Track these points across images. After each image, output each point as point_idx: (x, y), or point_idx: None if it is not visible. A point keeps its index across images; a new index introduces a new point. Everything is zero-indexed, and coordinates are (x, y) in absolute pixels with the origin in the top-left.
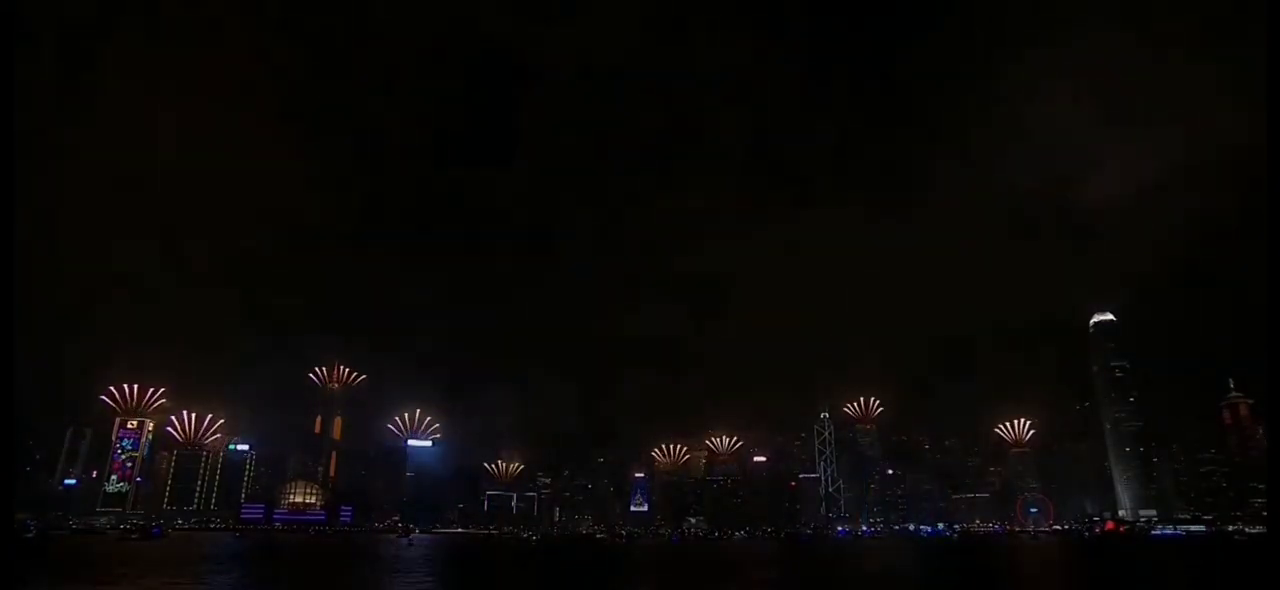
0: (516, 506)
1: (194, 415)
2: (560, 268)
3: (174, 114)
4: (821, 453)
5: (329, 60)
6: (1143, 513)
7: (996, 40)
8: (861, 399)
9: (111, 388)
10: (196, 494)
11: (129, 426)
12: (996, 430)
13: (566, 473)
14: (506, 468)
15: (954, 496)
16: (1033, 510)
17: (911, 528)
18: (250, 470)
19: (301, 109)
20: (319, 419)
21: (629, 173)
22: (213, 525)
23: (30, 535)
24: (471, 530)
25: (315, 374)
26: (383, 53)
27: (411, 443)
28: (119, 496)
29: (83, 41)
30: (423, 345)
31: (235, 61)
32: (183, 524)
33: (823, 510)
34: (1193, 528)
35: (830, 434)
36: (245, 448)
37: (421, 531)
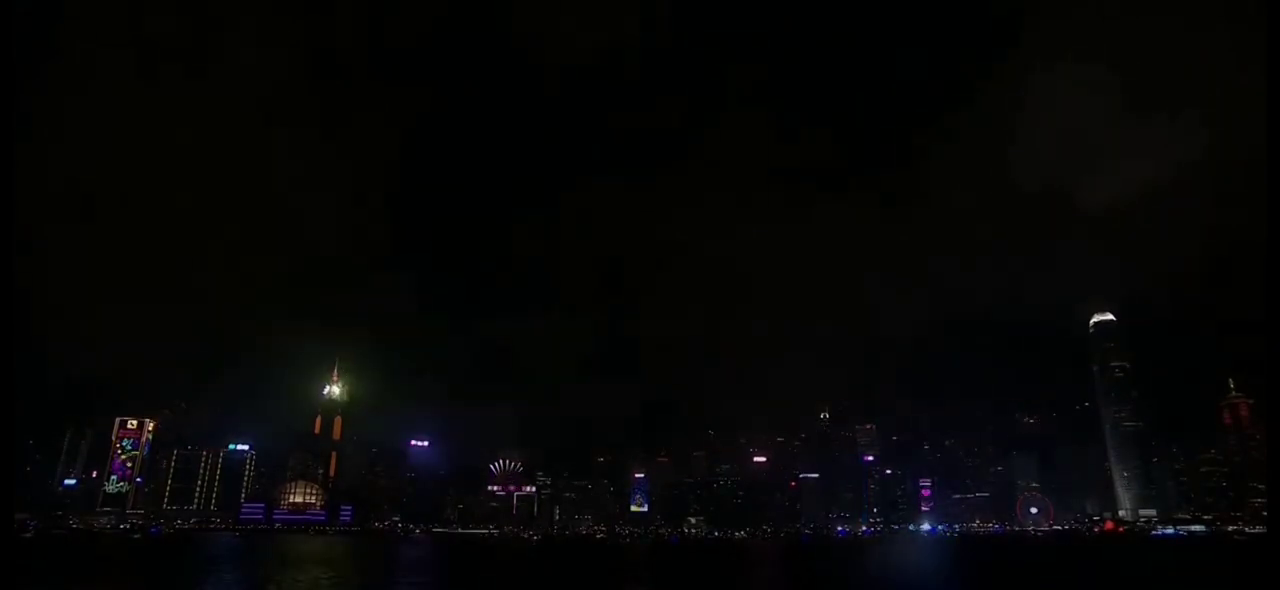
0: (516, 506)
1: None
2: (563, 268)
3: (184, 121)
4: (821, 453)
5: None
6: (1143, 513)
7: (1002, 39)
8: (862, 398)
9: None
10: (196, 494)
11: (129, 426)
12: (997, 429)
13: (566, 473)
14: (507, 467)
15: (954, 496)
16: (1033, 510)
17: (911, 528)
18: (250, 470)
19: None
20: (319, 419)
21: (627, 174)
22: (213, 525)
23: (29, 535)
24: (472, 530)
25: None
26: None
27: (412, 443)
28: (119, 496)
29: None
30: (424, 344)
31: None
32: (182, 524)
33: (823, 510)
34: (1193, 528)
35: (830, 434)
36: (245, 448)
37: (421, 531)
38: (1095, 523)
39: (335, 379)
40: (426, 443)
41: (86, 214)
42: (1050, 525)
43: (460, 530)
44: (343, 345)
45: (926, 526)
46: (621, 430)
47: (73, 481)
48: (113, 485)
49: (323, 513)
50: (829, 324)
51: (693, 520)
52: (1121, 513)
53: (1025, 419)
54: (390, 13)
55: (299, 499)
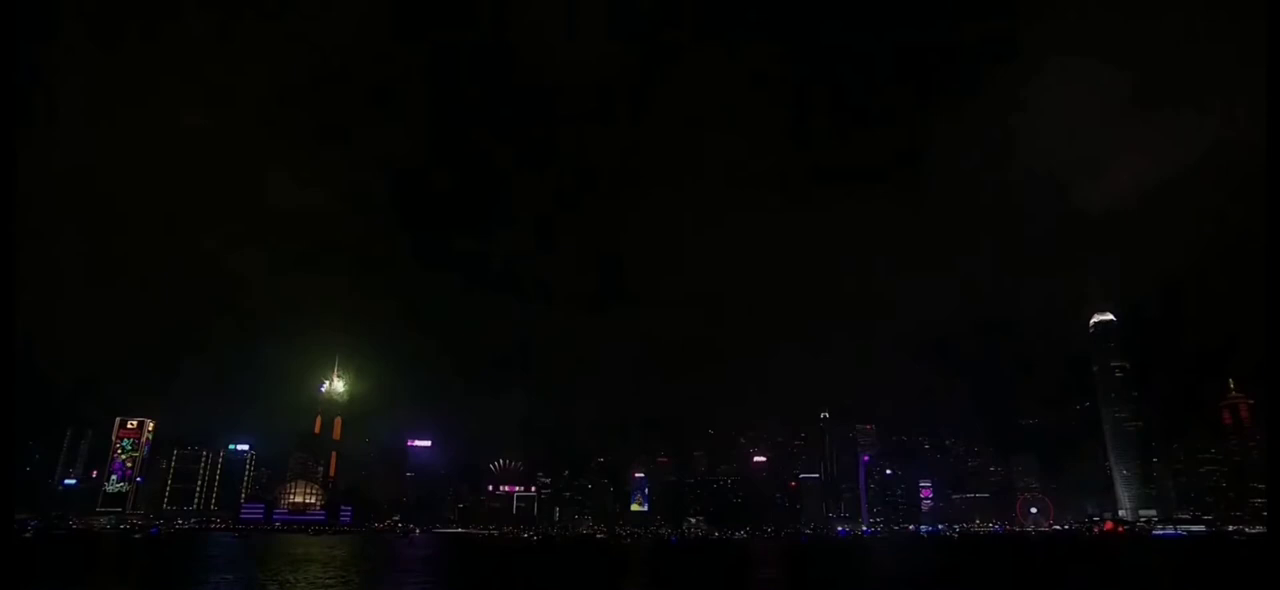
0: (516, 506)
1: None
2: (563, 268)
3: (189, 118)
4: (821, 453)
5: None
6: (1143, 513)
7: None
8: (862, 398)
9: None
10: (196, 494)
11: (129, 426)
12: (997, 429)
13: (566, 473)
14: (507, 467)
15: (954, 496)
16: (1033, 510)
17: (911, 528)
18: (250, 470)
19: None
20: (319, 419)
21: (627, 174)
22: (213, 525)
23: (29, 535)
24: (471, 530)
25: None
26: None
27: (411, 443)
28: (119, 496)
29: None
30: (424, 345)
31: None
32: (182, 524)
33: (823, 510)
34: (1193, 528)
35: (830, 434)
36: (245, 448)
37: (421, 531)
38: (1095, 523)
39: (335, 378)
40: (426, 443)
41: (87, 214)
42: (1050, 525)
43: (460, 530)
44: (343, 345)
45: (926, 527)
46: (621, 430)
47: (73, 481)
48: (113, 485)
49: (323, 513)
50: (829, 323)
51: (693, 520)
52: (1121, 513)
53: (1025, 419)
54: (389, 14)
55: (299, 499)
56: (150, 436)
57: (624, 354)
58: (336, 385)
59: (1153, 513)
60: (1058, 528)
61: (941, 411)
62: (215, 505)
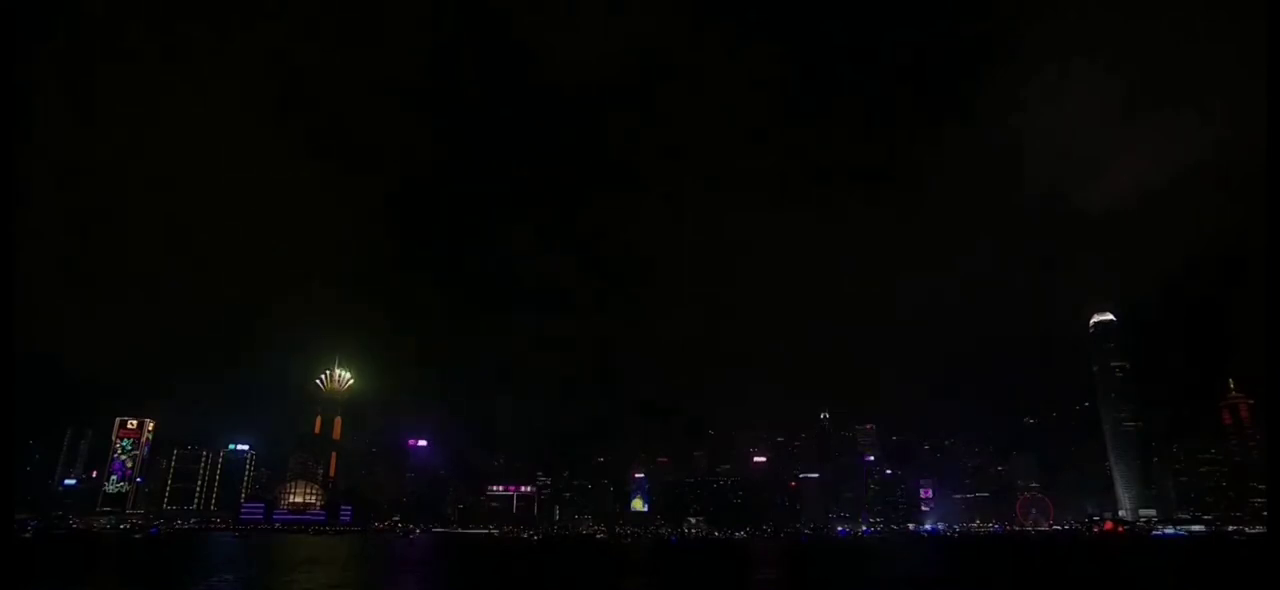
0: (516, 506)
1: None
2: (564, 268)
3: (193, 121)
4: (822, 453)
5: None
6: (1143, 513)
7: (1005, 40)
8: (862, 398)
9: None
10: (196, 494)
11: (129, 426)
12: (997, 429)
13: (566, 473)
14: (507, 467)
15: (954, 496)
16: (1033, 510)
17: (911, 528)
18: (250, 470)
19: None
20: (319, 419)
21: (628, 175)
22: (213, 525)
23: (29, 535)
24: (471, 530)
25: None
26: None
27: (412, 443)
28: (119, 496)
29: (99, 43)
30: (425, 345)
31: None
32: (182, 524)
33: (823, 510)
34: (1193, 528)
35: (830, 434)
36: (245, 448)
37: (421, 531)
38: (1095, 523)
39: (335, 377)
40: (426, 443)
41: (87, 214)
42: (1050, 525)
43: (460, 530)
44: (342, 345)
45: (927, 527)
46: (621, 430)
47: (73, 481)
48: (113, 485)
49: (323, 513)
50: (829, 323)
51: (693, 520)
52: (1121, 513)
53: (1025, 419)
54: (389, 14)
55: (299, 499)
56: (150, 436)
57: (624, 354)
58: (336, 384)
59: (1153, 513)
60: (1058, 528)
61: (941, 411)
62: (215, 505)
